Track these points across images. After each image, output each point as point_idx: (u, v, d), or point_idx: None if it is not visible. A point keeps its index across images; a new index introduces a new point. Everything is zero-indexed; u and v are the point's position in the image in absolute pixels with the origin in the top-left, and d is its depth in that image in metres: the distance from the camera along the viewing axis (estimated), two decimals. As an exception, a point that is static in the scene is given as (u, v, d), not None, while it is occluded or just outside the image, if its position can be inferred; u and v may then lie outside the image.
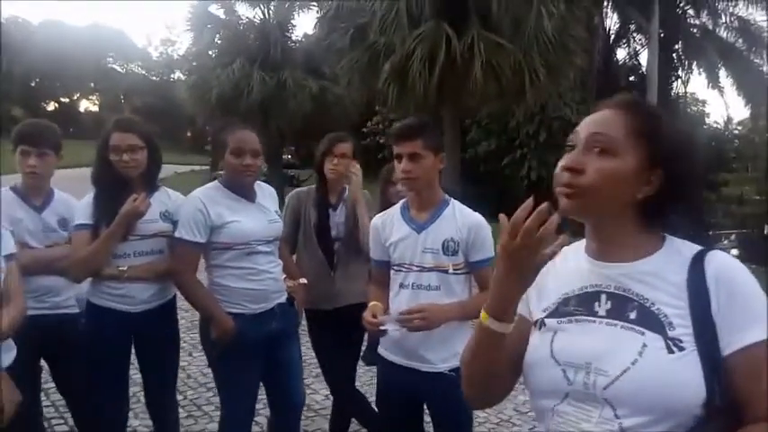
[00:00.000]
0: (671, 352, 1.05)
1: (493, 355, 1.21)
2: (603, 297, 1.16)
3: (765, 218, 21.98)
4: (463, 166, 12.62)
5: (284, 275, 2.87)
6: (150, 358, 2.80)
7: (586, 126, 1.16)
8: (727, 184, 24.38)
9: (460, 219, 2.34)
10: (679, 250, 1.14)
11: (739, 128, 31.30)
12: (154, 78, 38.04)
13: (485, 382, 1.28)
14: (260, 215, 2.67)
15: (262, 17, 19.25)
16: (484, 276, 2.38)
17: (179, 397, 4.15)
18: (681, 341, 1.05)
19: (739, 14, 20.05)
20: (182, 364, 4.59)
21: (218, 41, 19.48)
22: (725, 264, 1.09)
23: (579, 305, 1.18)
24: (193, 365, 4.54)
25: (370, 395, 3.87)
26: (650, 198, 1.13)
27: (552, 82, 10.71)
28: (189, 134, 33.01)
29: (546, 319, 1.22)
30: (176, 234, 2.56)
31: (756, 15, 18.69)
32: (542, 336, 1.21)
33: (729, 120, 31.89)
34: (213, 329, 2.56)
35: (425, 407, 2.48)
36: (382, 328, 2.22)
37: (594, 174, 1.11)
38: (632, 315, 1.11)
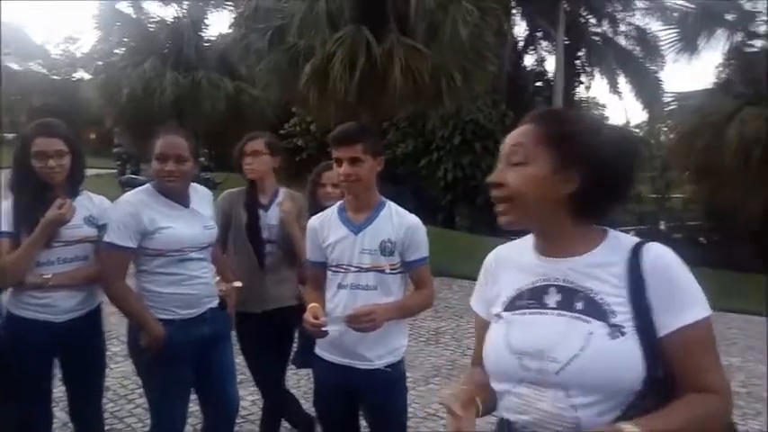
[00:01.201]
0: (614, 338, 1.18)
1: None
2: (553, 290, 1.28)
3: (660, 215, 23.55)
4: (387, 169, 12.74)
5: (218, 278, 2.84)
6: (76, 369, 2.70)
7: (505, 143, 1.31)
8: (626, 184, 25.79)
9: (397, 220, 2.42)
10: (619, 243, 1.27)
11: (637, 131, 33.31)
12: (55, 77, 35.87)
13: None
14: (194, 221, 2.62)
15: (175, 15, 18.70)
16: (419, 275, 2.47)
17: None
18: (622, 327, 1.18)
19: (636, 24, 21.36)
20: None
21: (126, 40, 18.69)
22: (659, 254, 1.22)
23: (531, 298, 1.30)
24: (112, 377, 4.37)
25: (299, 398, 3.89)
26: (577, 194, 1.24)
27: (467, 87, 11.03)
28: (93, 136, 31.35)
29: (503, 313, 1.34)
30: (105, 239, 2.48)
31: (652, 25, 20.02)
32: (499, 327, 1.34)
33: (628, 123, 33.95)
34: (143, 337, 2.50)
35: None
36: (324, 329, 2.25)
37: (512, 183, 1.25)
38: (579, 305, 1.23)
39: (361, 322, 2.21)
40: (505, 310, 1.34)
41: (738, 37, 13.10)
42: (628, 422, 1.11)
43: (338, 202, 2.52)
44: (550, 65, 21.86)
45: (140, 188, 2.63)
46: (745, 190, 12.45)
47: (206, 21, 19.27)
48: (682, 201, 22.97)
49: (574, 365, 1.19)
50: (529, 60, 24.17)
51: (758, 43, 13.14)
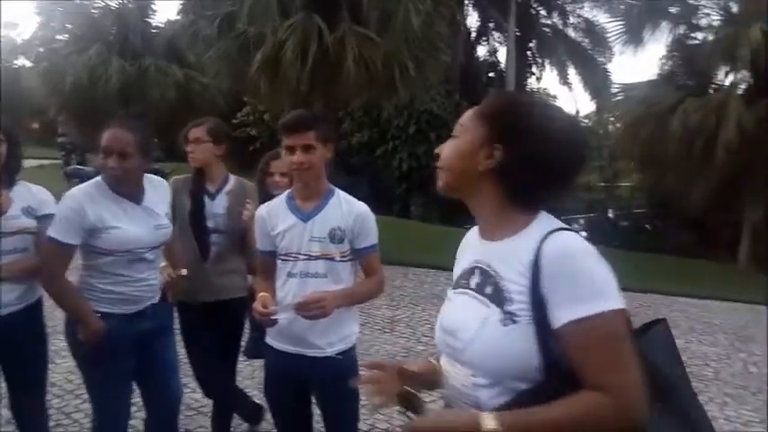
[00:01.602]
0: (504, 325, 1.18)
1: None
2: (477, 272, 1.29)
3: (608, 203, 24.22)
4: (337, 157, 12.68)
5: (163, 263, 2.76)
6: (17, 365, 2.61)
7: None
8: (576, 173, 26.40)
9: (346, 207, 2.41)
10: (539, 230, 1.22)
11: (586, 121, 34.08)
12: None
13: None
14: (146, 220, 2.49)
15: (119, 1, 18.10)
16: (369, 262, 2.48)
17: (44, 406, 3.90)
18: (515, 315, 1.17)
19: (585, 16, 21.83)
20: (45, 371, 4.32)
21: (69, 26, 18.02)
22: (560, 245, 1.17)
23: (464, 278, 1.33)
24: (57, 372, 4.24)
25: (252, 389, 3.85)
26: (502, 171, 1.24)
27: (420, 76, 11.05)
28: (36, 125, 30.14)
29: (448, 291, 1.40)
30: (48, 232, 2.37)
31: (600, 17, 20.48)
32: (444, 303, 1.40)
33: (577, 113, 34.65)
34: (81, 330, 2.41)
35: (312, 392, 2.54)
36: (274, 317, 2.23)
37: (444, 153, 1.30)
38: (488, 290, 1.24)
39: (311, 310, 2.21)
40: (452, 288, 1.39)
41: (681, 30, 13.52)
42: (491, 413, 1.13)
43: (287, 191, 2.50)
44: (503, 55, 22.14)
45: (90, 182, 2.49)
46: (688, 178, 12.92)
47: (153, 6, 18.79)
48: (629, 189, 23.64)
49: (472, 347, 1.23)
50: (482, 51, 24.43)
51: (700, 36, 13.62)
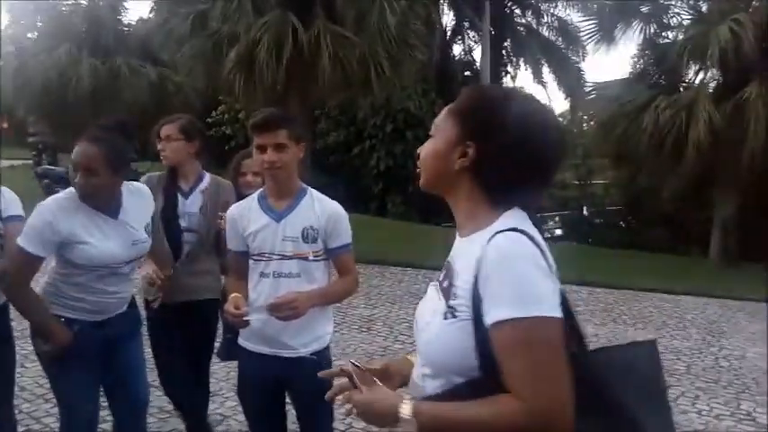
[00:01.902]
0: (446, 318, 1.19)
1: None
2: (445, 267, 1.31)
3: (583, 200, 24.47)
4: (314, 156, 12.65)
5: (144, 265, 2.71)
6: None
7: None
8: (551, 171, 26.65)
9: (319, 207, 2.40)
10: (493, 228, 1.19)
11: (561, 119, 34.45)
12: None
13: None
14: (121, 235, 2.40)
15: (89, -1, 17.81)
16: (343, 261, 2.47)
17: (14, 411, 3.82)
18: (456, 310, 1.18)
19: (559, 15, 21.99)
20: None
21: (39, 24, 17.68)
22: (497, 246, 1.14)
23: (442, 273, 1.33)
24: (27, 376, 4.17)
25: (228, 391, 3.82)
26: (476, 170, 1.22)
27: (396, 75, 11.07)
28: (6, 125, 29.52)
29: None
30: (18, 241, 2.29)
31: (573, 16, 20.66)
32: None
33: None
34: (50, 339, 2.37)
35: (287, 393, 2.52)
36: (246, 318, 2.21)
37: (422, 153, 1.31)
38: (445, 284, 1.26)
39: (284, 311, 2.20)
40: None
41: (652, 29, 13.71)
42: (411, 400, 1.18)
43: (258, 190, 2.48)
44: (478, 54, 22.21)
45: (66, 192, 2.39)
46: (660, 176, 13.11)
47: (125, 4, 18.50)
48: (603, 187, 23.92)
49: (421, 338, 1.28)
50: (457, 50, 24.50)
51: (671, 35, 13.83)
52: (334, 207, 2.43)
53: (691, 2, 13.57)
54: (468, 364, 1.15)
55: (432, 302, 1.28)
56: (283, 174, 2.34)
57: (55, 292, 2.41)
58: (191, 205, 2.99)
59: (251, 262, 2.41)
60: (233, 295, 2.30)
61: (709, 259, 12.70)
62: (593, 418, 1.11)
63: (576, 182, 26.40)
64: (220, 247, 2.97)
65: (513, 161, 1.19)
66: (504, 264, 1.12)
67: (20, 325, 2.80)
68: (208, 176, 3.08)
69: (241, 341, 2.46)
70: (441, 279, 1.30)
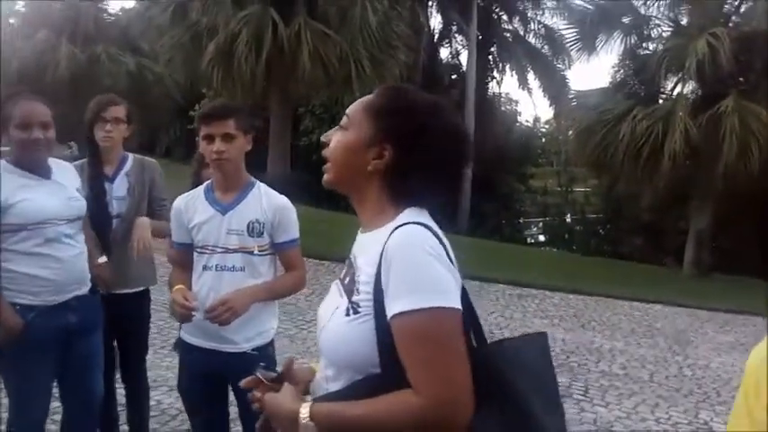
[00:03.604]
0: (347, 315, 1.17)
1: None
2: (347, 263, 1.28)
3: (565, 207, 24.65)
4: (298, 153, 12.62)
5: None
6: None
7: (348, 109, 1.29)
8: (533, 177, 26.86)
9: (266, 200, 2.36)
10: (396, 223, 1.18)
11: (546, 126, 34.69)
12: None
13: None
14: (57, 192, 2.42)
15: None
16: (289, 257, 2.43)
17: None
18: (358, 305, 1.16)
19: (545, 23, 22.11)
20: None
21: (18, 9, 17.42)
22: (399, 237, 1.13)
23: (344, 270, 1.30)
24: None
25: (174, 380, 3.74)
26: (389, 171, 1.20)
27: (377, 74, 11.03)
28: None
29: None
30: None
31: (559, 24, 20.74)
32: None
33: (537, 119, 35.29)
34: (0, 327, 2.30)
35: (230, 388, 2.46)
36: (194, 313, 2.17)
37: (332, 145, 1.25)
38: (346, 281, 1.24)
39: (221, 314, 2.15)
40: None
41: (633, 39, 13.84)
42: (308, 402, 1.17)
43: (206, 182, 2.43)
44: (465, 58, 22.25)
45: None
46: (637, 186, 13.23)
47: (108, -7, 18.25)
48: (583, 194, 24.11)
49: (322, 336, 1.25)
50: (444, 53, 24.54)
51: (651, 46, 13.97)
52: (282, 201, 2.39)
53: (670, 14, 13.71)
54: (370, 361, 1.13)
55: (333, 300, 1.25)
56: (230, 165, 2.30)
57: (7, 277, 2.33)
58: (118, 189, 2.89)
59: (195, 254, 2.36)
60: (178, 287, 2.26)
61: (682, 269, 12.83)
62: (489, 411, 1.10)
63: (558, 188, 26.62)
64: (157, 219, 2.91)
65: (428, 168, 1.19)
66: (404, 256, 1.11)
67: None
68: (130, 157, 2.98)
69: (182, 334, 2.41)
70: (342, 276, 1.28)
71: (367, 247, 1.21)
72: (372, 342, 1.13)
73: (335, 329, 1.19)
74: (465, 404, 1.07)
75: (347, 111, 1.27)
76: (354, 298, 1.17)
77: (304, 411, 1.14)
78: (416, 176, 1.19)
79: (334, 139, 1.26)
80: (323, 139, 1.30)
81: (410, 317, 1.07)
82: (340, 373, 1.19)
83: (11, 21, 18.03)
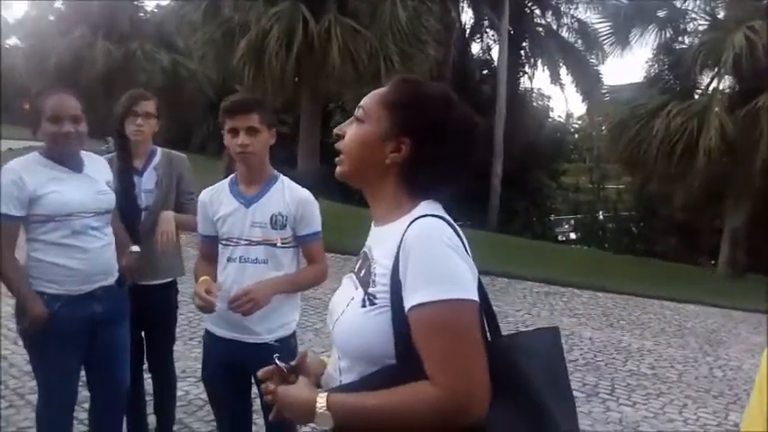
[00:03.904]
0: (363, 306, 1.18)
1: None
2: (362, 255, 1.29)
3: (597, 204, 24.28)
4: (327, 149, 12.67)
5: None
6: None
7: (363, 101, 1.29)
8: (565, 173, 26.53)
9: (289, 194, 2.40)
10: (412, 215, 1.20)
11: (579, 122, 34.23)
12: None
13: None
14: (86, 185, 2.49)
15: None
16: (311, 250, 2.46)
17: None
18: (375, 297, 1.17)
19: (579, 17, 21.75)
20: (4, 353, 4.28)
21: (58, 6, 17.86)
22: (417, 229, 1.15)
23: (357, 262, 1.31)
24: (18, 354, 4.21)
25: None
26: (406, 164, 1.22)
27: (407, 70, 10.99)
28: (26, 107, 29.81)
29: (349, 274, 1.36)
30: None
31: (593, 18, 20.40)
32: None
33: (570, 114, 34.87)
34: (27, 315, 2.38)
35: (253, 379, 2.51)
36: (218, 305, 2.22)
37: (348, 138, 1.25)
38: (363, 273, 1.24)
39: (243, 304, 2.19)
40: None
41: (668, 33, 13.54)
42: (325, 393, 1.16)
43: (231, 175, 2.48)
44: (497, 53, 22.05)
45: (28, 155, 2.48)
46: (671, 182, 12.96)
47: (143, -10, 18.59)
48: (616, 191, 23.73)
49: (337, 328, 1.24)
50: (476, 48, 24.36)
51: (687, 40, 13.65)
52: (305, 194, 2.42)
53: (707, 8, 13.37)
54: (386, 353, 1.14)
55: (347, 292, 1.26)
56: (255, 158, 2.34)
57: (34, 267, 2.43)
58: (147, 182, 2.96)
59: (220, 246, 2.41)
60: (203, 278, 2.30)
61: (716, 269, 12.55)
62: (504, 403, 1.10)
63: (591, 185, 26.25)
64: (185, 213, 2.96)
65: (442, 161, 1.22)
66: (423, 247, 1.12)
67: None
68: (159, 151, 3.04)
69: (206, 324, 2.47)
70: (356, 269, 1.28)
71: (382, 239, 1.23)
72: (388, 333, 1.14)
73: (351, 321, 1.20)
74: (482, 396, 1.08)
75: (362, 103, 1.27)
76: (371, 290, 1.18)
77: (321, 401, 1.14)
78: (431, 169, 1.22)
79: (350, 132, 1.26)
80: (336, 131, 1.29)
81: (429, 308, 1.08)
82: (354, 365, 1.20)
83: (50, 18, 18.49)
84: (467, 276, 1.12)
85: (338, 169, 1.28)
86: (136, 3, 18.05)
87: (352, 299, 1.22)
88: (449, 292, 1.08)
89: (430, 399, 1.07)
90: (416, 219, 1.17)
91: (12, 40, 34.01)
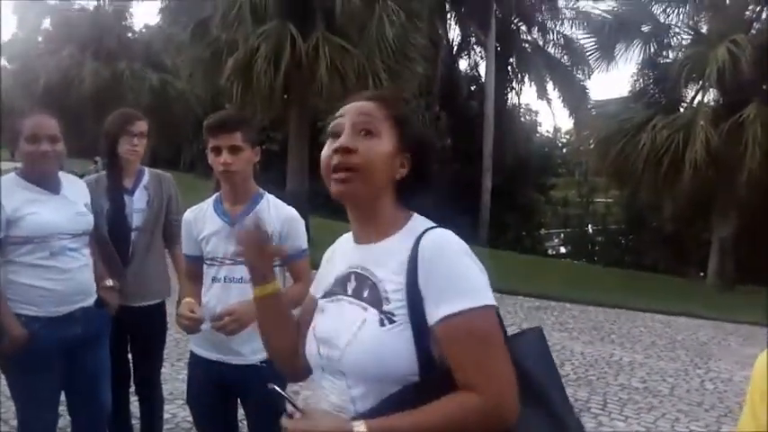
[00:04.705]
0: (382, 325, 1.14)
1: (280, 321, 1.40)
2: (353, 277, 1.25)
3: (586, 218, 24.41)
4: (316, 167, 12.69)
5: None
6: None
7: (349, 113, 1.23)
8: (554, 188, 26.67)
9: (274, 212, 2.37)
10: (415, 229, 1.21)
11: (566, 136, 34.51)
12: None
13: (289, 357, 1.41)
14: (64, 207, 2.47)
15: (96, 4, 17.99)
16: (298, 268, 2.43)
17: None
18: (393, 314, 1.14)
19: (564, 33, 22.02)
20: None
21: (45, 27, 17.88)
22: (434, 240, 1.16)
23: (338, 285, 1.28)
24: (2, 379, 4.14)
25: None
26: (403, 180, 1.24)
27: (395, 87, 11.10)
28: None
29: (320, 300, 1.32)
30: None
31: (578, 34, 20.64)
32: (315, 315, 1.32)
33: (557, 129, 35.14)
34: (4, 337, 2.33)
35: (239, 401, 2.47)
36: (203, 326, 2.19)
37: (366, 152, 1.18)
38: (365, 293, 1.20)
39: (227, 324, 2.16)
40: (322, 297, 1.32)
41: (653, 48, 13.72)
42: (362, 421, 1.09)
43: (215, 194, 2.46)
44: (484, 70, 22.23)
45: (5, 176, 2.46)
46: (658, 195, 13.06)
47: (131, 11, 18.69)
48: (604, 205, 23.89)
49: (348, 351, 1.17)
50: (463, 65, 24.57)
51: (671, 54, 13.83)
52: (290, 212, 2.40)
53: (690, 22, 13.58)
54: (409, 370, 1.12)
55: (350, 315, 1.20)
56: (238, 177, 2.32)
57: (10, 289, 2.38)
58: (137, 202, 2.93)
59: (204, 266, 2.38)
60: (186, 300, 2.28)
61: (706, 280, 12.61)
62: (525, 402, 1.12)
63: (579, 199, 26.40)
64: (167, 242, 2.98)
65: (428, 176, 1.27)
66: (445, 259, 1.14)
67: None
68: (147, 171, 3.02)
69: (191, 346, 2.43)
70: (351, 291, 1.24)
71: (381, 256, 1.21)
72: (411, 350, 1.12)
73: (369, 342, 1.14)
74: (517, 399, 1.09)
75: (365, 115, 1.21)
76: (386, 308, 1.15)
77: (361, 427, 1.07)
78: (422, 184, 1.26)
79: (367, 147, 1.19)
80: (348, 144, 1.19)
81: (462, 318, 1.09)
82: (371, 390, 1.15)
83: (38, 38, 18.50)
84: (486, 282, 1.14)
85: (347, 187, 1.19)
86: (124, 23, 18.12)
87: (364, 321, 1.16)
88: (477, 299, 1.10)
89: (476, 407, 1.07)
90: (426, 231, 1.18)
91: (2, 61, 34.07)
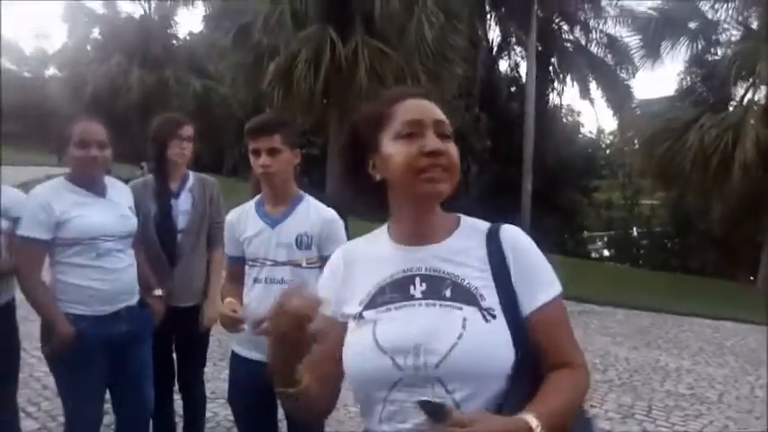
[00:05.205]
0: (487, 321, 1.15)
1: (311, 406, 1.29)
2: (417, 280, 1.20)
3: (630, 220, 23.88)
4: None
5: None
6: None
7: (426, 115, 1.20)
8: (597, 190, 26.18)
9: (314, 214, 2.39)
10: (474, 227, 1.27)
11: (610, 137, 33.83)
12: (27, 74, 35.21)
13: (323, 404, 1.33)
14: (110, 209, 2.55)
15: (142, 12, 18.50)
16: None
17: (32, 408, 3.91)
18: (492, 309, 1.16)
19: (608, 31, 21.57)
20: (38, 374, 4.35)
21: (94, 37, 18.47)
22: (515, 236, 1.25)
23: (394, 292, 1.20)
24: (51, 376, 4.28)
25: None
26: None
27: (434, 89, 11.08)
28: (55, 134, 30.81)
29: (363, 312, 1.21)
30: (18, 232, 2.41)
31: (622, 32, 20.22)
32: (362, 328, 1.20)
33: (601, 130, 34.50)
34: (54, 335, 2.42)
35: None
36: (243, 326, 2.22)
37: (454, 156, 1.20)
38: (447, 293, 1.17)
39: (268, 329, 2.17)
40: (366, 308, 1.22)
41: (700, 45, 13.36)
42: (529, 412, 1.06)
43: (257, 196, 2.49)
44: (524, 70, 21.97)
45: (53, 180, 2.55)
46: (706, 196, 12.68)
47: (175, 18, 19.15)
48: (650, 207, 23.33)
49: (454, 354, 1.11)
50: (503, 66, 24.32)
51: (719, 51, 13.43)
52: (330, 214, 2.41)
53: (739, 18, 13.15)
54: (508, 363, 1.14)
55: (441, 318, 1.15)
56: (277, 179, 2.34)
57: (59, 289, 2.47)
58: (183, 204, 3.00)
59: (246, 267, 2.41)
60: (227, 300, 2.31)
61: (756, 284, 12.19)
62: None
63: (623, 201, 25.84)
64: (209, 244, 3.04)
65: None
66: (531, 251, 1.24)
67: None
68: (191, 174, 3.09)
69: (233, 346, 2.47)
70: (421, 293, 1.19)
71: (454, 255, 1.22)
72: (509, 343, 1.15)
73: (479, 341, 1.13)
74: None
75: (439, 119, 1.21)
76: (484, 304, 1.16)
77: (533, 421, 1.05)
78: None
79: (453, 151, 1.20)
80: (440, 147, 1.18)
81: (555, 303, 1.20)
82: (477, 390, 1.13)
83: (87, 47, 19.13)
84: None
85: (443, 187, 1.19)
86: (169, 30, 18.59)
87: (465, 319, 1.14)
88: (557, 285, 1.22)
89: (586, 379, 1.20)
90: (495, 227, 1.25)
91: (50, 71, 35.32)
